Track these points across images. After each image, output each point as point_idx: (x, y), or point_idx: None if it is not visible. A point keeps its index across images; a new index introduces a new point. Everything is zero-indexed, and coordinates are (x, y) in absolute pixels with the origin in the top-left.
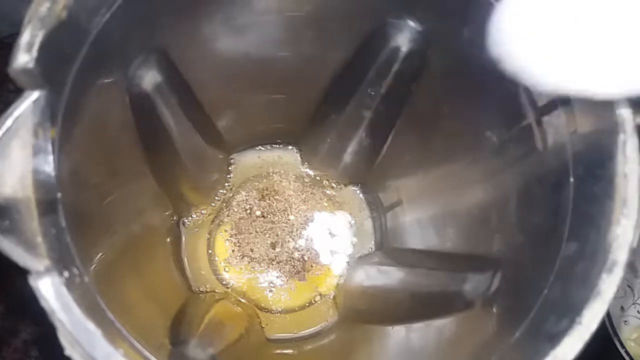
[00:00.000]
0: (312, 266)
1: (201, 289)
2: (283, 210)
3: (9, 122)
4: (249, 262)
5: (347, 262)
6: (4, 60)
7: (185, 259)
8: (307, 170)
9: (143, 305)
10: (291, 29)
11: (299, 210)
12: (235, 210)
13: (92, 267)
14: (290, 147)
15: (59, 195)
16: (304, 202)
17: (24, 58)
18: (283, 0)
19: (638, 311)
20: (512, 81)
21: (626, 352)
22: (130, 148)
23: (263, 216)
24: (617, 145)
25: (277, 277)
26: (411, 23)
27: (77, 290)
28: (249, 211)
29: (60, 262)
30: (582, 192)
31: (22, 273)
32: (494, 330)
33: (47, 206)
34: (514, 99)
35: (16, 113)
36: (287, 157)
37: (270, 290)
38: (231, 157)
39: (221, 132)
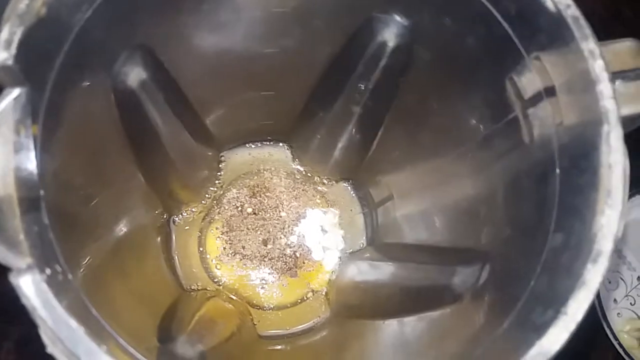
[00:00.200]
0: (304, 262)
1: (192, 287)
2: (274, 207)
3: None
4: (241, 260)
5: (339, 258)
6: None
7: (176, 257)
8: (298, 166)
9: (131, 305)
10: (277, 25)
11: (290, 207)
12: (226, 207)
13: (79, 265)
14: (280, 144)
15: (42, 192)
16: (295, 198)
17: (2, 55)
18: None
19: (631, 303)
20: (499, 74)
21: (619, 344)
22: (117, 146)
23: (254, 213)
24: (602, 136)
25: (269, 273)
26: (397, 17)
27: (59, 288)
28: (240, 208)
29: (43, 259)
30: (568, 184)
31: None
32: (482, 321)
33: (29, 204)
34: (501, 91)
35: None
36: (278, 154)
37: (262, 287)
38: (221, 154)
39: (210, 129)
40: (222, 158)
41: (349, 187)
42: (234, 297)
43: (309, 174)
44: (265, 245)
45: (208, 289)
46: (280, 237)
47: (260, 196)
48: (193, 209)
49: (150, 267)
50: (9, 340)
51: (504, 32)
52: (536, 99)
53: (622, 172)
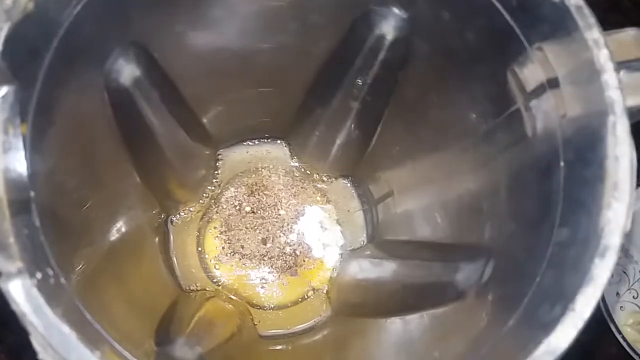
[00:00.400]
0: (304, 260)
1: (191, 288)
2: (273, 205)
3: None
4: (240, 259)
5: (340, 255)
6: None
7: (175, 257)
8: (297, 164)
9: (128, 308)
10: (273, 20)
11: (289, 205)
12: (225, 206)
13: (73, 268)
14: (278, 141)
15: (33, 194)
16: (294, 196)
17: None
18: None
19: (634, 297)
20: (500, 66)
21: (623, 337)
22: (111, 146)
23: (253, 212)
24: (607, 127)
25: (268, 272)
26: (395, 10)
27: (51, 292)
28: (238, 207)
29: (33, 263)
30: (573, 177)
31: None
32: (487, 319)
33: (19, 205)
34: (502, 84)
35: None
36: (276, 152)
37: (262, 287)
38: (218, 152)
39: (207, 127)
40: (220, 156)
41: (349, 184)
42: (234, 297)
43: (307, 171)
44: (265, 244)
45: (207, 289)
46: (280, 236)
47: (259, 194)
48: (191, 209)
49: (148, 269)
50: (3, 344)
51: (505, 22)
52: (539, 90)
53: (629, 164)
